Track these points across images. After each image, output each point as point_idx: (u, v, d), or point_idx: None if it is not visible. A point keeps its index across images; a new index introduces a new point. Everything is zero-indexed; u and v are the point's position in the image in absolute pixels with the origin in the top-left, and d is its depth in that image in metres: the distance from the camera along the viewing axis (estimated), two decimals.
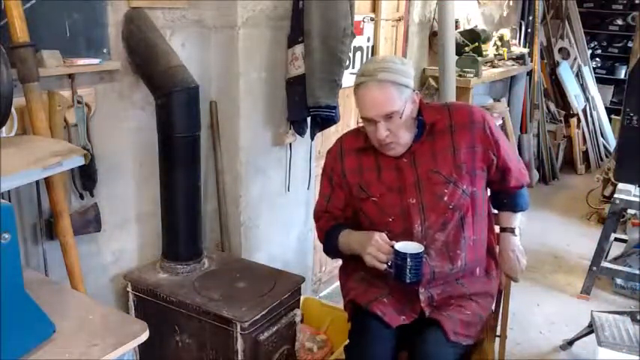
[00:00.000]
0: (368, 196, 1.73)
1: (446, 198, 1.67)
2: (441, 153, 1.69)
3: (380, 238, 1.61)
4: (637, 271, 3.10)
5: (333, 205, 1.82)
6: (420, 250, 1.60)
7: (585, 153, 5.73)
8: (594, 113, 5.79)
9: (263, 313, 1.82)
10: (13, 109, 1.50)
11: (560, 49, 5.72)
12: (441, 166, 1.68)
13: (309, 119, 2.43)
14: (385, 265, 1.61)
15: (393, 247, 1.62)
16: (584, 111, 5.67)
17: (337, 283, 3.20)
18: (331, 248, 1.82)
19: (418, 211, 1.68)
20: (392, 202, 1.70)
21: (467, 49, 3.88)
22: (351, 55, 2.92)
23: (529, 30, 5.23)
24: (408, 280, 1.60)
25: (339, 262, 3.24)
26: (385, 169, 1.72)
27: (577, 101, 5.61)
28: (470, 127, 1.68)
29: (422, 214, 1.68)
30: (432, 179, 1.68)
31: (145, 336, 1.25)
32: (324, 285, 3.19)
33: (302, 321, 2.05)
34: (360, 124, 1.89)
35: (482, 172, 1.72)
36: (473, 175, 1.69)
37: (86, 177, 1.83)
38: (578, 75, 5.78)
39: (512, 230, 1.86)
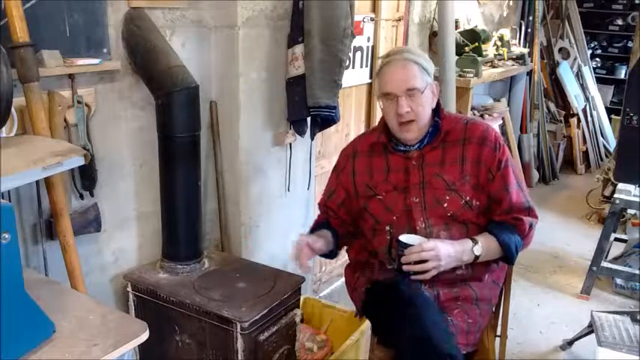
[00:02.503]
0: (374, 194, 1.76)
1: (445, 204, 1.69)
2: (449, 162, 1.71)
3: (301, 238, 1.71)
4: (637, 271, 3.10)
5: (333, 201, 1.87)
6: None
7: (585, 153, 5.73)
8: (594, 113, 5.79)
9: (263, 313, 1.82)
10: (13, 109, 1.50)
11: (560, 49, 5.72)
12: (446, 173, 1.70)
13: (309, 119, 2.43)
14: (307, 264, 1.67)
15: (398, 239, 1.63)
16: (584, 111, 5.67)
17: (337, 283, 3.21)
18: None
19: (420, 209, 1.70)
20: (396, 199, 1.72)
21: (467, 49, 3.88)
22: (351, 55, 2.92)
23: (529, 30, 5.23)
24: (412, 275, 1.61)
25: (339, 261, 3.24)
26: (394, 171, 1.75)
27: (577, 101, 5.61)
28: (481, 142, 1.70)
29: (424, 213, 1.69)
30: (434, 183, 1.70)
31: (145, 336, 1.25)
32: (324, 285, 3.19)
33: (302, 321, 2.05)
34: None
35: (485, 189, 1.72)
36: (477, 190, 1.70)
37: (86, 177, 1.83)
38: (578, 75, 5.78)
39: (474, 241, 1.66)
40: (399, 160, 1.75)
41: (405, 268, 1.61)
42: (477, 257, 1.66)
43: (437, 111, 1.75)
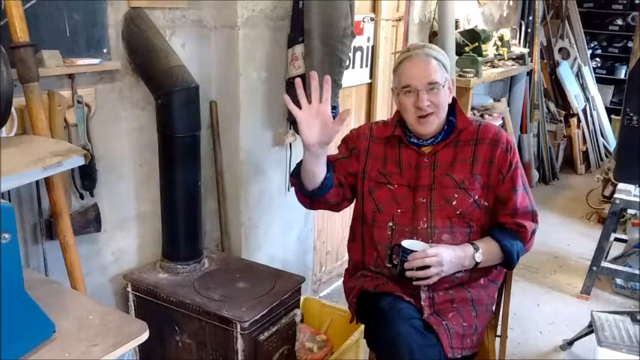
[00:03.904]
0: (387, 182, 1.76)
1: (454, 202, 1.70)
2: (460, 162, 1.73)
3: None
4: (637, 271, 3.10)
5: (342, 165, 1.80)
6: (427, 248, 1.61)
7: (585, 153, 5.73)
8: (594, 113, 5.79)
9: (263, 313, 1.82)
10: (13, 109, 1.50)
11: (560, 49, 5.72)
12: (456, 172, 1.72)
13: None
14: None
15: (400, 244, 1.63)
16: (584, 111, 5.67)
17: (337, 283, 3.21)
18: (295, 169, 1.78)
19: (426, 209, 1.71)
20: (406, 195, 1.73)
21: (467, 49, 3.88)
22: (351, 55, 2.92)
23: (529, 30, 5.23)
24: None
25: (339, 261, 3.24)
26: (406, 167, 1.76)
27: (577, 101, 5.61)
28: (493, 143, 1.73)
29: (429, 213, 1.70)
30: (444, 182, 1.72)
31: (145, 336, 1.25)
32: (324, 285, 3.19)
33: (302, 321, 2.05)
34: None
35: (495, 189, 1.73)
36: (487, 189, 1.72)
37: (86, 177, 1.83)
38: (578, 75, 5.78)
39: (475, 247, 1.67)
40: (412, 155, 1.76)
41: (408, 274, 1.61)
42: (477, 264, 1.67)
43: (452, 109, 1.77)
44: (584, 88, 5.79)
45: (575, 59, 5.73)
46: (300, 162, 1.73)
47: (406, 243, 1.63)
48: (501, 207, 1.73)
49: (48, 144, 1.51)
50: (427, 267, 1.59)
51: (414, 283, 1.63)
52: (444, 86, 1.70)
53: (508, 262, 1.72)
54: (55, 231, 1.69)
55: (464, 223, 1.71)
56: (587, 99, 5.77)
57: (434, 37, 3.61)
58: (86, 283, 1.76)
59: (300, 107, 1.62)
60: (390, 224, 1.73)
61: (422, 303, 1.68)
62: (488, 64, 4.22)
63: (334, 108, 2.35)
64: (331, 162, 1.77)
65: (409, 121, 1.73)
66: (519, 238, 1.73)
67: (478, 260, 1.66)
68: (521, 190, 1.72)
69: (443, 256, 1.60)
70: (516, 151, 1.76)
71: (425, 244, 1.65)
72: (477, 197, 1.70)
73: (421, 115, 1.69)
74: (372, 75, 3.20)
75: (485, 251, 1.67)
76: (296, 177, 1.77)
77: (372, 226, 1.77)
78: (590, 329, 2.56)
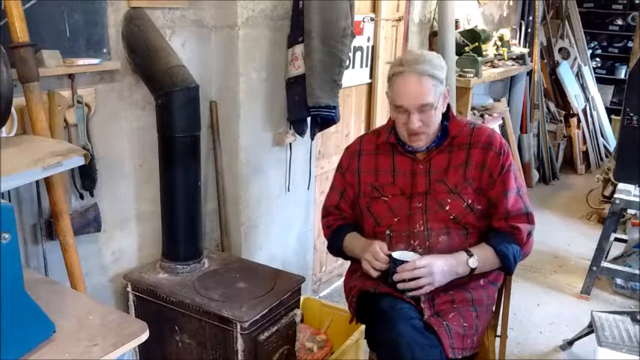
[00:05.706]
0: (380, 195, 1.76)
1: (448, 207, 1.70)
2: (453, 167, 1.72)
3: (379, 247, 1.65)
4: (637, 271, 3.10)
5: (345, 202, 1.86)
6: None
7: (585, 153, 5.73)
8: (594, 113, 5.79)
9: (263, 313, 1.82)
10: (13, 109, 1.50)
11: (560, 49, 5.72)
12: (449, 177, 1.72)
13: (309, 119, 2.43)
14: (378, 273, 1.64)
15: (390, 255, 1.62)
16: (584, 111, 5.67)
17: (337, 283, 3.21)
18: (335, 247, 1.89)
19: (422, 213, 1.71)
20: (402, 204, 1.73)
21: (467, 49, 3.88)
22: (351, 55, 2.92)
23: (529, 30, 5.23)
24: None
25: (339, 261, 3.24)
26: (400, 174, 1.76)
27: (577, 101, 5.61)
28: (486, 147, 1.72)
29: (424, 215, 1.70)
30: (437, 188, 1.72)
31: (145, 336, 1.25)
32: (324, 285, 3.19)
33: (302, 321, 2.05)
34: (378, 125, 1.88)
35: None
36: (479, 193, 1.71)
37: (86, 177, 1.83)
38: (578, 75, 5.78)
39: (469, 253, 1.66)
40: (406, 162, 1.76)
41: (399, 286, 1.60)
42: (472, 270, 1.66)
43: (446, 114, 1.75)
44: (584, 88, 5.79)
45: (575, 59, 5.73)
46: (340, 236, 1.85)
47: (397, 254, 1.61)
48: (494, 210, 1.72)
49: (48, 144, 1.51)
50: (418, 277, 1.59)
51: (408, 294, 1.62)
52: (436, 108, 1.65)
53: (506, 266, 1.71)
54: (55, 231, 1.69)
55: (460, 226, 1.71)
56: (587, 99, 5.77)
57: (434, 37, 3.61)
58: (86, 283, 1.76)
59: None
60: (388, 232, 1.74)
61: (422, 305, 1.68)
62: (488, 64, 4.22)
63: (334, 108, 2.35)
64: (339, 208, 1.87)
65: (401, 134, 1.73)
66: (515, 240, 1.71)
67: (473, 266, 1.65)
68: (513, 193, 1.70)
69: (433, 267, 1.58)
70: (510, 155, 1.74)
71: (415, 254, 1.64)
72: (470, 202, 1.70)
73: (412, 133, 1.68)
74: (372, 75, 3.20)
75: (480, 257, 1.66)
76: (337, 250, 1.89)
77: (374, 238, 1.76)
78: (590, 329, 2.56)
